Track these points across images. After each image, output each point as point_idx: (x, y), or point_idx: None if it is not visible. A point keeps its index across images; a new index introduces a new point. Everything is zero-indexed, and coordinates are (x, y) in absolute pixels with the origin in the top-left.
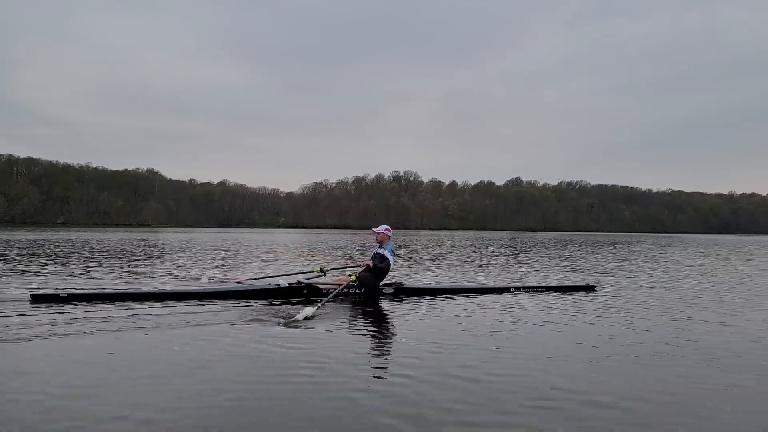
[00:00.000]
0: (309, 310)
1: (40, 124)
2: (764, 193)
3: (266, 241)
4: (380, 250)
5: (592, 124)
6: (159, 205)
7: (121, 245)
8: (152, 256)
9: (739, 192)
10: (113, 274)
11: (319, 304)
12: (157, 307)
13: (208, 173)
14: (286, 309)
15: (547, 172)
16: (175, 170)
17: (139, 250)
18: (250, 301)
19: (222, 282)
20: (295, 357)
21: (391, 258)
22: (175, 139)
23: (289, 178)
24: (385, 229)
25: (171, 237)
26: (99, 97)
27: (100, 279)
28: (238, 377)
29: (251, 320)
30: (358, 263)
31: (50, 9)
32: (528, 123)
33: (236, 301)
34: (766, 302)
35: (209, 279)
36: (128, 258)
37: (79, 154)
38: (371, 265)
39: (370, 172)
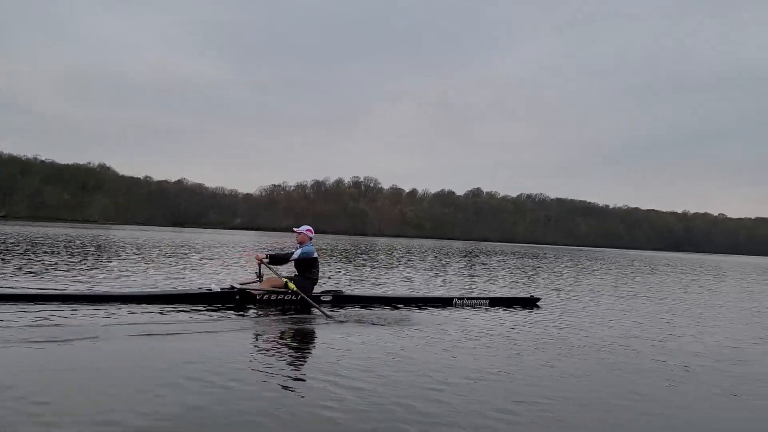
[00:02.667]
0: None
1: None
2: (716, 213)
3: (217, 241)
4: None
5: (568, 134)
6: (108, 201)
7: (59, 241)
8: (88, 255)
9: (692, 211)
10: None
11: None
12: (79, 311)
13: (167, 171)
14: (211, 316)
15: (512, 183)
16: (132, 167)
17: (74, 248)
18: (178, 306)
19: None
20: (214, 369)
21: (297, 253)
22: (137, 135)
23: (258, 180)
24: (307, 230)
25: (111, 234)
26: (73, 87)
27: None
28: (149, 389)
29: (172, 327)
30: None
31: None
32: (507, 130)
33: (163, 306)
34: (708, 319)
35: (219, 286)
36: (50, 255)
37: (41, 146)
38: (262, 257)
39: (330, 176)
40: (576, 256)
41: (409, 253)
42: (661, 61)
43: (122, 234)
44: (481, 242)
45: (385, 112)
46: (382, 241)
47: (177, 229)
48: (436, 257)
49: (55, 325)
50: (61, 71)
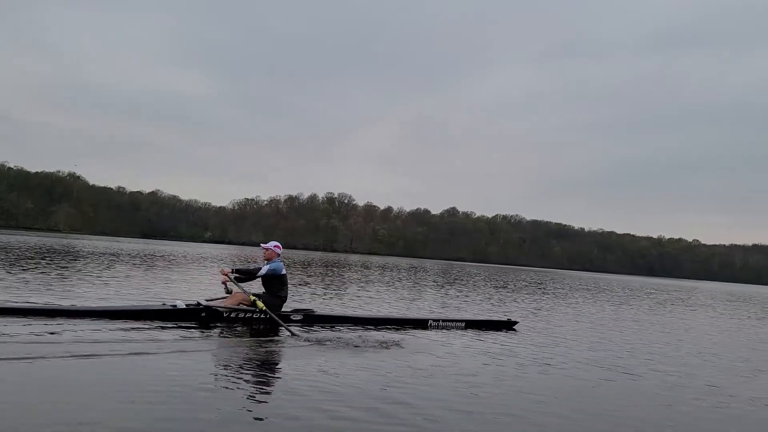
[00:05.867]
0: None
1: None
2: (690, 239)
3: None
4: (260, 265)
5: (546, 160)
6: (73, 210)
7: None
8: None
9: (667, 236)
10: None
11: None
12: (36, 325)
13: (141, 182)
14: (175, 334)
15: (488, 205)
16: (106, 177)
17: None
18: (141, 322)
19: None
20: (175, 389)
21: (265, 269)
22: (116, 146)
23: (234, 193)
24: (274, 246)
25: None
26: (48, 95)
27: None
28: (108, 408)
29: (134, 345)
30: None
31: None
32: (486, 154)
33: (125, 322)
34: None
35: (185, 302)
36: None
37: (14, 154)
38: (228, 271)
39: (305, 192)
40: (548, 279)
41: (378, 271)
42: (641, 92)
43: (74, 243)
44: (454, 262)
45: (366, 131)
46: (354, 258)
47: (149, 241)
48: (409, 276)
49: (10, 339)
50: (41, 80)
